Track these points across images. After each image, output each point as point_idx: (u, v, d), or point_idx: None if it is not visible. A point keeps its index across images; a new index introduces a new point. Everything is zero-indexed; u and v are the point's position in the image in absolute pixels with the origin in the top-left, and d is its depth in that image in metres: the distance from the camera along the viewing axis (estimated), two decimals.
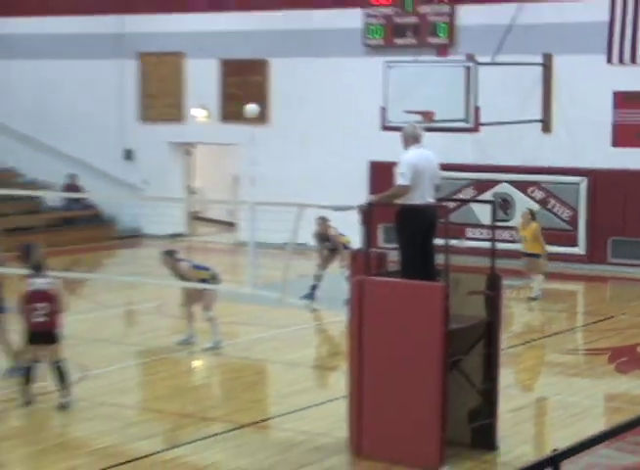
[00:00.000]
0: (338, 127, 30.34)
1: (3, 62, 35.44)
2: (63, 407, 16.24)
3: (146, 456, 14.55)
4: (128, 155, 34.54)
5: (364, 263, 14.29)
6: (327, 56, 30.77)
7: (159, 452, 14.73)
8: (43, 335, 16.36)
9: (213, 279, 20.23)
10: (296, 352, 20.64)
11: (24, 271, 17.05)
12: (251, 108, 24.26)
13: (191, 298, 20.42)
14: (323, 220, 23.62)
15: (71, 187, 32.65)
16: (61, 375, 16.35)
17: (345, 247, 23.22)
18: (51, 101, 34.74)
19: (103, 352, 19.80)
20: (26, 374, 16.27)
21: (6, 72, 35.36)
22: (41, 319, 16.24)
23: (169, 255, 20.29)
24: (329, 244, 24.02)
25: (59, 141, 34.81)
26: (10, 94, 35.31)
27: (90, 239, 26.65)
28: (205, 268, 20.49)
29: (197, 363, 20.46)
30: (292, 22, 31.12)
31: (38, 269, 16.76)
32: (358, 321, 13.99)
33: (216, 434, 15.66)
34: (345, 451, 14.30)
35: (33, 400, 16.30)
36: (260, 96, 32.23)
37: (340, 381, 15.95)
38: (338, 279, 22.08)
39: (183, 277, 20.06)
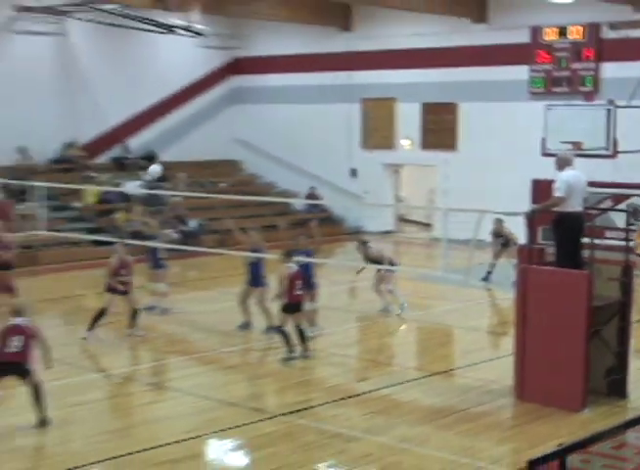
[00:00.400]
0: (508, 153, 29.90)
1: (268, 105, 35.95)
2: (304, 357, 16.40)
3: (362, 394, 14.62)
4: (353, 172, 34.62)
5: (528, 255, 14.27)
6: (501, 100, 30.35)
7: (371, 391, 14.78)
8: (297, 305, 16.57)
9: (391, 264, 20.31)
10: (475, 320, 20.46)
11: (276, 256, 17.22)
12: (154, 168, 23.76)
13: (380, 278, 20.44)
14: (499, 221, 23.41)
15: (311, 195, 32.93)
16: (302, 335, 16.49)
17: (514, 243, 22.97)
18: (299, 133, 35.09)
19: (334, 317, 19.93)
20: (282, 332, 16.45)
21: (269, 113, 35.88)
22: (299, 293, 16.43)
23: (363, 244, 20.40)
24: (502, 240, 23.80)
25: (303, 162, 35.14)
26: (271, 128, 35.83)
27: (325, 234, 26.79)
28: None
29: (400, 327, 20.39)
30: (475, 75, 30.82)
31: (291, 255, 16.93)
32: (523, 298, 13.98)
33: (414, 379, 15.64)
34: (511, 395, 14.16)
35: (294, 351, 16.51)
36: (451, 130, 32.12)
37: (507, 343, 15.75)
38: (507, 267, 21.83)
39: (373, 261, 20.09)
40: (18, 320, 13.20)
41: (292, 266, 16.58)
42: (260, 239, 19.18)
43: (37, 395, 13.10)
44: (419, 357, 18.32)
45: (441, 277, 19.35)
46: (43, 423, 13.04)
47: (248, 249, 18.90)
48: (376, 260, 20.15)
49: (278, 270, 16.77)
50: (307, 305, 17.68)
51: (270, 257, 18.52)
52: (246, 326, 18.73)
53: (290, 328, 16.55)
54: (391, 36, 32.65)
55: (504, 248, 23.72)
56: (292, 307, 16.49)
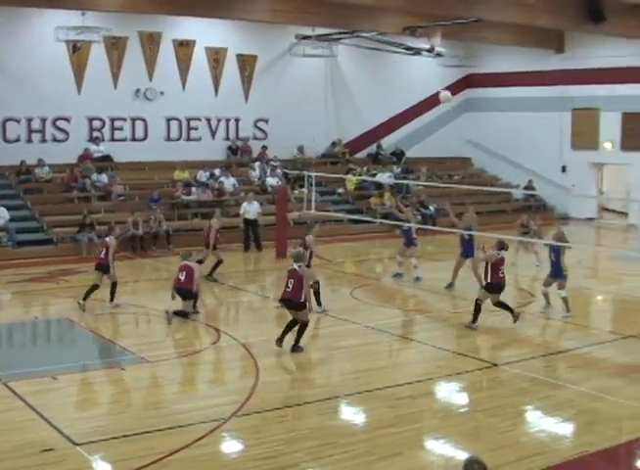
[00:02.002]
0: None
1: (494, 113, 35.67)
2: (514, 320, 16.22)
3: (566, 350, 14.46)
4: (563, 169, 33.80)
5: None
6: None
7: (573, 349, 14.52)
8: (499, 287, 15.83)
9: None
10: None
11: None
12: (445, 95, 21.05)
13: None
14: None
15: (528, 187, 32.35)
16: (506, 307, 16.05)
17: None
18: (519, 136, 34.57)
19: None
20: (477, 304, 16.05)
21: (496, 119, 35.63)
22: (502, 276, 15.76)
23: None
24: None
25: (523, 159, 34.67)
26: (497, 132, 35.55)
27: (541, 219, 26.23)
28: None
29: (598, 297, 19.77)
30: None
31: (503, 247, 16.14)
32: None
33: (609, 340, 15.46)
34: None
35: (476, 322, 16.04)
36: None
37: None
38: None
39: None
40: (294, 265, 13.90)
41: (499, 253, 15.66)
42: (474, 220, 19.52)
43: (302, 328, 13.86)
44: (614, 323, 17.81)
45: (636, 257, 18.68)
46: (295, 349, 13.80)
47: (463, 228, 19.15)
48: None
49: (488, 256, 15.91)
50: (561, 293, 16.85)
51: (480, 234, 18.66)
52: (450, 286, 19.39)
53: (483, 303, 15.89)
54: (597, 57, 31.75)
55: None
56: (494, 288, 15.74)
